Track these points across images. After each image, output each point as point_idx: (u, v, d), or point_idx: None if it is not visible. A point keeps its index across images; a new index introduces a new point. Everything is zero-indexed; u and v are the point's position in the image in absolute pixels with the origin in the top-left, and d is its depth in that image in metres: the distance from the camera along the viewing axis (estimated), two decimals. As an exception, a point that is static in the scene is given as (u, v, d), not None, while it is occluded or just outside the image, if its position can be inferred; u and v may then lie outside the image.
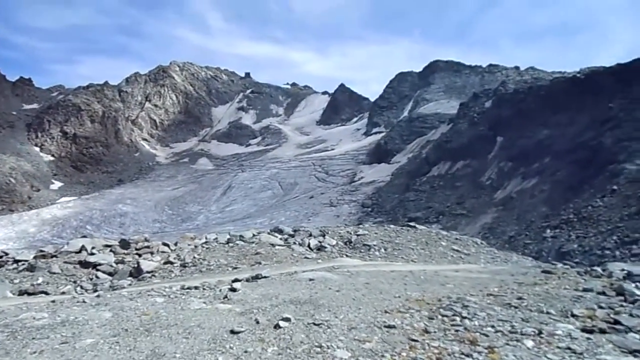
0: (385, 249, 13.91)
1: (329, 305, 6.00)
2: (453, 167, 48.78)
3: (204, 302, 6.22)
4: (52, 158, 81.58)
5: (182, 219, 61.66)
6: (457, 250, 15.09)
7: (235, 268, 10.73)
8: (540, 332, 4.90)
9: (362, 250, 13.66)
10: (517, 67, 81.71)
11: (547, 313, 5.70)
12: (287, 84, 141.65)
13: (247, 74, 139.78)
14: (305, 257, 12.24)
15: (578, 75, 43.40)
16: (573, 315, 5.55)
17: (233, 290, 6.89)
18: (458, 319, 5.37)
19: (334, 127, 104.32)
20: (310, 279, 7.70)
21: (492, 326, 5.10)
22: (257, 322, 5.28)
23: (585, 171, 31.74)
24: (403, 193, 50.57)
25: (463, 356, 4.30)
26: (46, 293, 9.06)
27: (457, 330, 4.97)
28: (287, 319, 5.26)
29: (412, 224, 18.60)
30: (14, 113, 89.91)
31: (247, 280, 7.94)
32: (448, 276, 8.79)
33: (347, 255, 12.75)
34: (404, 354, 4.41)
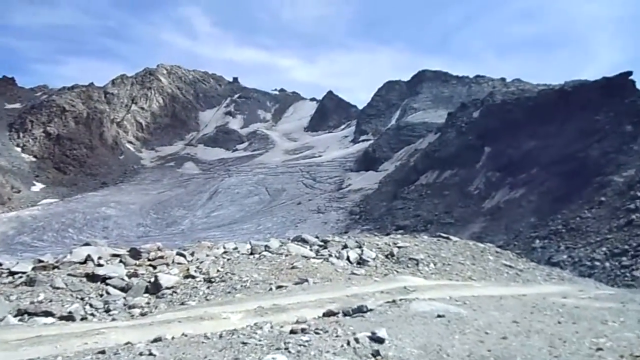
0: (434, 264, 12.58)
1: None
2: (441, 176, 49.01)
3: None
4: (34, 159, 79.60)
5: (167, 224, 60.78)
6: (510, 266, 13.69)
7: (280, 287, 9.45)
8: None
9: (410, 265, 12.29)
10: (503, 79, 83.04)
11: None
12: (275, 89, 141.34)
13: (235, 79, 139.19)
14: (353, 273, 10.96)
15: (565, 87, 44.26)
16: None
17: (377, 340, 4.70)
18: None
19: (321, 133, 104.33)
20: (439, 315, 6.02)
21: None
22: None
23: (572, 182, 32.17)
24: (391, 201, 50.62)
25: None
26: (51, 314, 8.09)
27: None
28: None
29: (442, 234, 17.51)
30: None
31: (346, 314, 6.10)
32: (579, 306, 7.23)
33: (396, 271, 11.67)
34: None
